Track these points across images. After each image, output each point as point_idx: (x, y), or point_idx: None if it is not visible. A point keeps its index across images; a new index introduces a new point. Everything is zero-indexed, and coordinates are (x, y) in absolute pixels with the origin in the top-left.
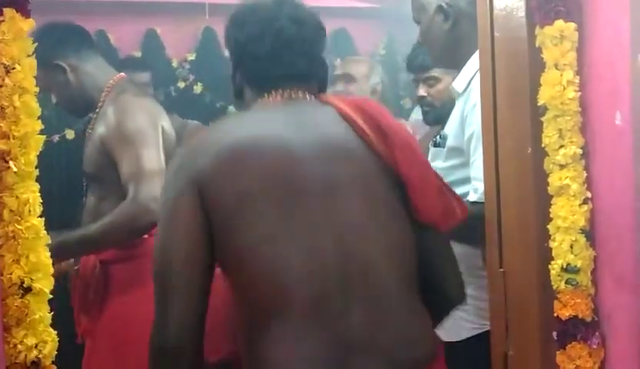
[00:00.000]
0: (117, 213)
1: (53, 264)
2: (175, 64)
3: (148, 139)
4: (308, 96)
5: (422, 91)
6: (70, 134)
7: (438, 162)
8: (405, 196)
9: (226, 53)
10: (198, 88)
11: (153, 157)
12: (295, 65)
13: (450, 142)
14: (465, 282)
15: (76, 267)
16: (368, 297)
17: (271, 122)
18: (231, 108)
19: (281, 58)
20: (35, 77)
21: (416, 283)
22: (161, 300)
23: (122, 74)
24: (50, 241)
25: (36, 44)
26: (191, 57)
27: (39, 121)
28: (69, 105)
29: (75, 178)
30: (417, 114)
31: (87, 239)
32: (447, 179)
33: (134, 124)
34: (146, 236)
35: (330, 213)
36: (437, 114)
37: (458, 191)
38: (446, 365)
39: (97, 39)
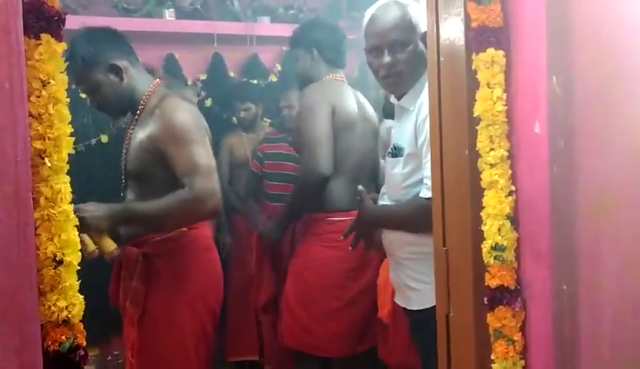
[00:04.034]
0: (172, 198)
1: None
2: (189, 82)
3: (198, 138)
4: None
5: None
6: (104, 138)
7: (397, 169)
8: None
9: (231, 74)
10: (208, 103)
11: (204, 154)
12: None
13: (407, 150)
14: (428, 260)
15: (117, 253)
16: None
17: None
18: (234, 119)
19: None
20: (84, 77)
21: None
22: (314, 151)
23: (158, 80)
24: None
25: (93, 45)
26: (203, 77)
27: (70, 126)
28: (112, 104)
29: (109, 176)
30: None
31: (146, 215)
32: (407, 182)
33: (184, 124)
34: (185, 229)
35: (359, 138)
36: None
37: (415, 190)
38: (412, 327)
39: None
